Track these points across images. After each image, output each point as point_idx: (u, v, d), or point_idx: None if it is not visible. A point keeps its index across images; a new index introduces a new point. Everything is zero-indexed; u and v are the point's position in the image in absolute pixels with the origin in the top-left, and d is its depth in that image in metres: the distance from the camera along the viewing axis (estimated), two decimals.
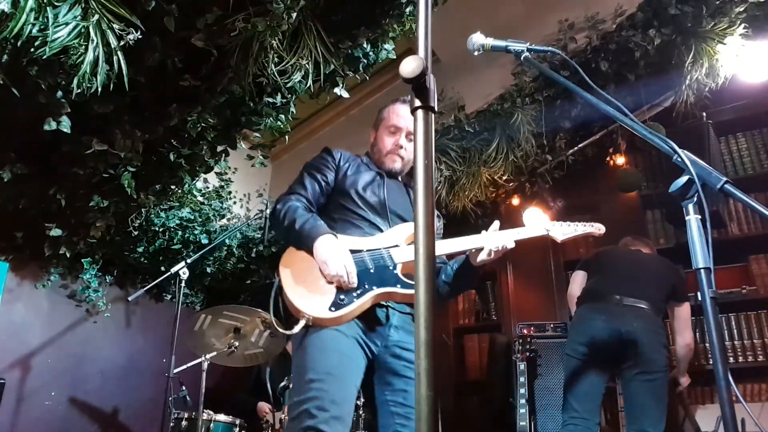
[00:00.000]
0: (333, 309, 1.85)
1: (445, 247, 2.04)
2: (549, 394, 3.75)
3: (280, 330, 1.86)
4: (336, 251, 1.89)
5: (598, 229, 2.26)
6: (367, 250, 1.99)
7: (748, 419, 2.89)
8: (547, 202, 4.64)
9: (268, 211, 3.56)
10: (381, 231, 2.08)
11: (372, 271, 1.94)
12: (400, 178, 2.29)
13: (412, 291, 1.82)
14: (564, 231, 2.19)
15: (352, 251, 1.94)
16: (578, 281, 3.55)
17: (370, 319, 1.94)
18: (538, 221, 4.28)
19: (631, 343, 3.03)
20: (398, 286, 1.93)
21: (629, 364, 3.05)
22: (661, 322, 3.19)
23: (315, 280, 1.91)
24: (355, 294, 1.89)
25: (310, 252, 1.94)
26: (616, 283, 3.25)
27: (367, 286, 1.91)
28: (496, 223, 2.05)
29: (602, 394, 3.14)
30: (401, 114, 2.25)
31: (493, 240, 1.99)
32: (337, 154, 2.23)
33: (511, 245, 2.00)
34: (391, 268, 1.97)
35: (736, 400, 1.19)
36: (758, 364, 3.85)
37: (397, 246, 2.02)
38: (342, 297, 1.87)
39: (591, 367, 3.11)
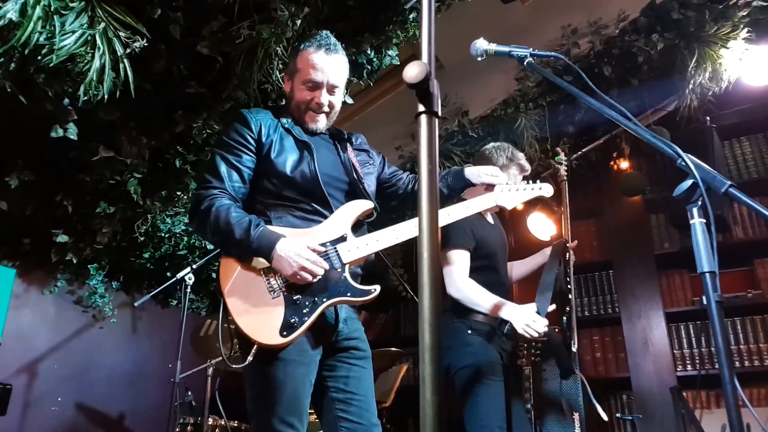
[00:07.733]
0: (285, 334, 1.68)
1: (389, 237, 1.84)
2: (554, 399, 3.73)
3: (233, 366, 1.75)
4: (300, 255, 1.70)
5: (546, 192, 2.21)
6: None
7: (755, 424, 2.88)
8: (551, 206, 4.63)
9: None
10: (324, 216, 1.84)
11: (320, 278, 1.74)
12: (327, 132, 2.00)
13: (360, 298, 1.78)
14: (512, 199, 2.15)
15: None
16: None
17: (320, 326, 1.78)
18: (539, 227, 4.28)
19: None
20: (348, 294, 1.77)
21: None
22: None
23: (260, 298, 1.73)
24: (305, 311, 1.72)
25: (255, 259, 1.75)
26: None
27: (317, 299, 1.74)
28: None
29: None
30: (318, 65, 1.86)
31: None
32: (256, 125, 1.85)
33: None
34: (339, 271, 1.78)
35: (743, 405, 1.19)
36: (765, 369, 3.82)
37: (344, 239, 1.81)
38: (293, 318, 1.70)
39: None
